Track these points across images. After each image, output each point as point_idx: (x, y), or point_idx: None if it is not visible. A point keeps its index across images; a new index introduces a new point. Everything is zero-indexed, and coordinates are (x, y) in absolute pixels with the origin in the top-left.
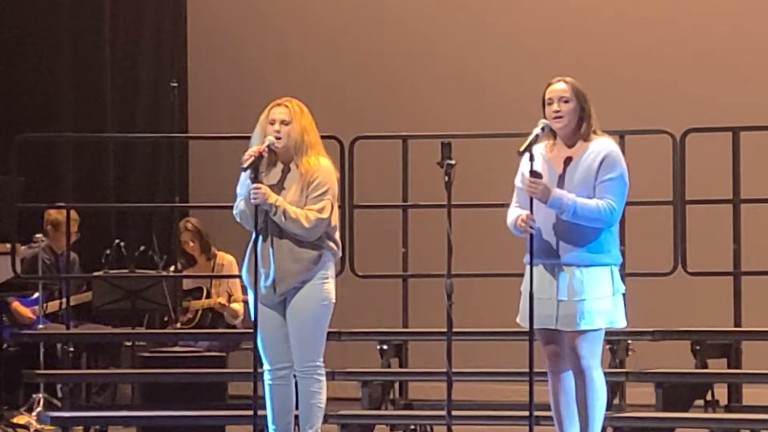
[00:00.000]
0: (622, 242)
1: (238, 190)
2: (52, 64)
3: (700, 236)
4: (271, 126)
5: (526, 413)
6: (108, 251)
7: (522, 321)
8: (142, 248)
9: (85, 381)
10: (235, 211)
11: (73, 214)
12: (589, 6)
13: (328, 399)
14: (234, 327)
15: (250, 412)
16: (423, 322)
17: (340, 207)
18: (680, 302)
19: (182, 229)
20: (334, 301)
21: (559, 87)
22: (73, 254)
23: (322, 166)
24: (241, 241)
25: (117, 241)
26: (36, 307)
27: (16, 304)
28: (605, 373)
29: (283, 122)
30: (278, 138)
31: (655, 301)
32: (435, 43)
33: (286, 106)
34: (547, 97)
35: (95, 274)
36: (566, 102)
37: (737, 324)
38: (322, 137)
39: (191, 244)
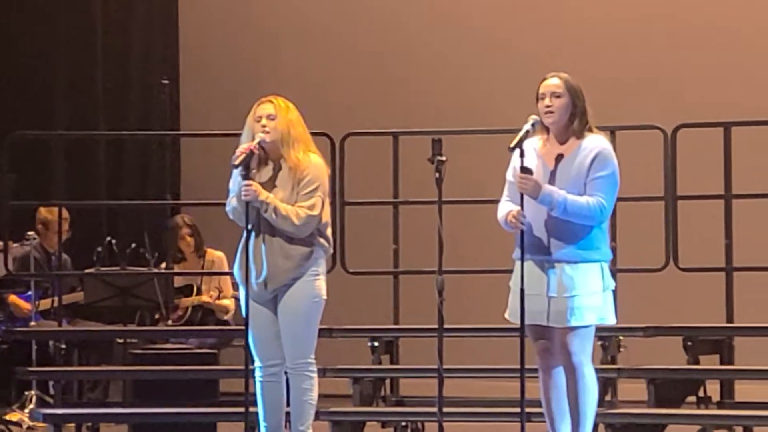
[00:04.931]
0: (614, 238)
1: (231, 186)
2: (44, 62)
3: (692, 232)
4: (257, 123)
5: (518, 410)
6: (99, 249)
7: (510, 316)
8: (133, 245)
9: (77, 378)
10: (227, 208)
11: (64, 212)
12: (580, 2)
13: (320, 396)
14: (226, 322)
15: (242, 409)
16: (414, 319)
17: (330, 203)
18: (672, 298)
19: (181, 224)
20: (325, 297)
21: (553, 82)
22: (65, 255)
23: (313, 162)
24: (232, 238)
25: (108, 238)
26: (30, 304)
27: (14, 297)
28: (597, 370)
29: (269, 117)
30: (267, 133)
31: (646, 297)
32: (426, 39)
33: (271, 102)
34: (540, 92)
35: (87, 271)
36: (558, 97)
37: (729, 320)
38: (313, 134)
39: (188, 239)
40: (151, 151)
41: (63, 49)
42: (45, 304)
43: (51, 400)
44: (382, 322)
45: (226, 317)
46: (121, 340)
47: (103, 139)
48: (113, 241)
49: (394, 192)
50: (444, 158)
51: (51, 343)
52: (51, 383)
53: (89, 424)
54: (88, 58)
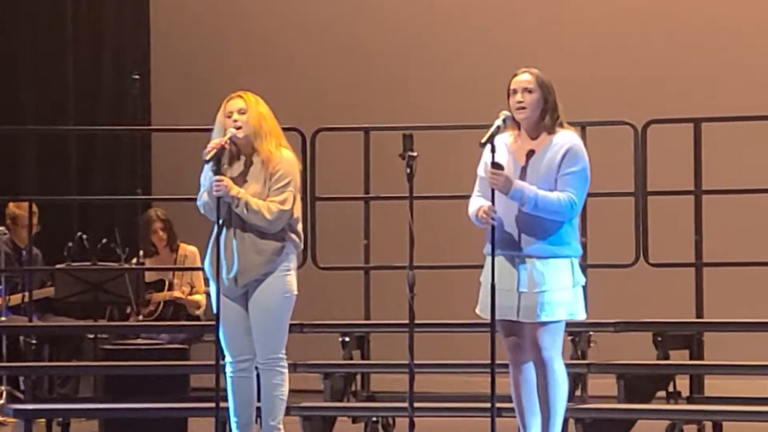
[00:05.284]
0: (584, 234)
1: (202, 180)
2: (14, 56)
3: (662, 228)
4: (228, 119)
5: (488, 405)
6: (70, 244)
7: (481, 312)
8: (104, 241)
9: (48, 373)
10: (198, 203)
11: (33, 207)
12: None
13: (290, 391)
14: (197, 318)
15: (213, 405)
16: (385, 314)
17: (302, 199)
18: (642, 294)
19: (154, 218)
20: (296, 293)
21: (524, 78)
22: (36, 250)
23: (285, 158)
24: (204, 233)
25: (79, 233)
26: (0, 299)
27: None
28: (567, 365)
29: (240, 111)
30: (238, 128)
31: (617, 293)
32: (397, 35)
33: (241, 97)
34: (511, 87)
35: (57, 266)
36: (529, 93)
37: (699, 315)
38: (284, 129)
39: (161, 233)
40: (122, 146)
41: (33, 43)
42: (15, 299)
43: (21, 396)
44: (353, 317)
45: (197, 312)
46: (91, 336)
47: (74, 134)
48: (84, 236)
49: (365, 187)
50: (415, 154)
51: (21, 338)
52: (21, 378)
53: (60, 419)
54: (58, 52)
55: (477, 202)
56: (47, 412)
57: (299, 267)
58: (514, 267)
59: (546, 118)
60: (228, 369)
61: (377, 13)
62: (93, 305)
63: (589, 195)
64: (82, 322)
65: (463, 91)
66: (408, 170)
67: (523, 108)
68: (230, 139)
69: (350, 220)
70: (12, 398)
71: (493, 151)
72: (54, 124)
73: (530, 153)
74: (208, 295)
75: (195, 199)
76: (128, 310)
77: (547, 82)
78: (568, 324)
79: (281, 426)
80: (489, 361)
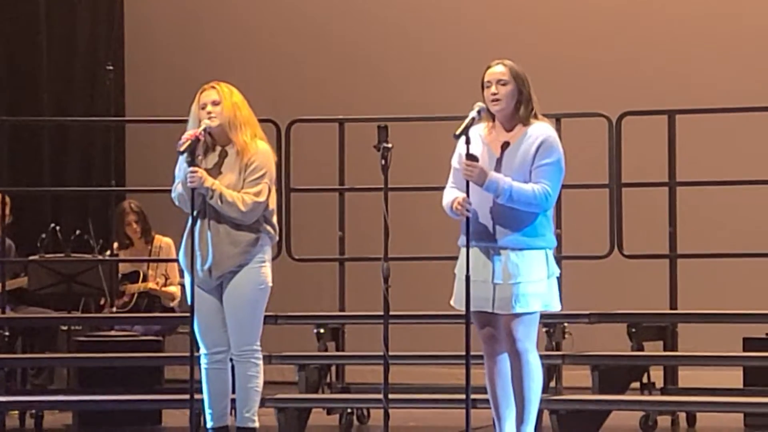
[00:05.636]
0: (559, 225)
1: (177, 172)
2: None
3: (636, 219)
4: (203, 110)
5: (463, 396)
6: (44, 235)
7: (456, 303)
8: (77, 232)
9: (21, 365)
10: (173, 195)
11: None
12: None
13: (265, 383)
14: (172, 309)
15: (187, 396)
16: (360, 306)
17: (276, 190)
18: (616, 285)
19: (127, 210)
20: (271, 284)
21: (498, 70)
22: (9, 241)
23: (260, 149)
24: (178, 225)
25: (53, 225)
26: None
27: None
28: (542, 356)
29: (213, 103)
30: (213, 119)
31: (591, 284)
32: (372, 26)
33: (214, 87)
34: (485, 80)
35: (31, 258)
36: (504, 85)
37: (673, 307)
38: (259, 120)
39: (134, 225)
40: (96, 138)
41: (6, 34)
42: None
43: None
44: (328, 308)
45: (172, 304)
46: (65, 327)
47: (48, 125)
48: (58, 228)
49: (340, 179)
50: (390, 145)
51: None
52: None
53: (33, 411)
54: (32, 43)
55: (451, 194)
56: (20, 404)
57: (274, 258)
58: (489, 258)
59: (521, 109)
60: (203, 361)
61: (353, 4)
62: (67, 297)
63: (564, 186)
64: (55, 314)
65: (437, 83)
66: (383, 162)
67: (498, 100)
68: (205, 130)
69: (325, 212)
70: None
71: (467, 142)
72: (27, 115)
73: (505, 144)
74: (183, 286)
75: (169, 191)
76: (102, 302)
77: (521, 73)
78: (543, 315)
79: (256, 418)
80: (464, 353)
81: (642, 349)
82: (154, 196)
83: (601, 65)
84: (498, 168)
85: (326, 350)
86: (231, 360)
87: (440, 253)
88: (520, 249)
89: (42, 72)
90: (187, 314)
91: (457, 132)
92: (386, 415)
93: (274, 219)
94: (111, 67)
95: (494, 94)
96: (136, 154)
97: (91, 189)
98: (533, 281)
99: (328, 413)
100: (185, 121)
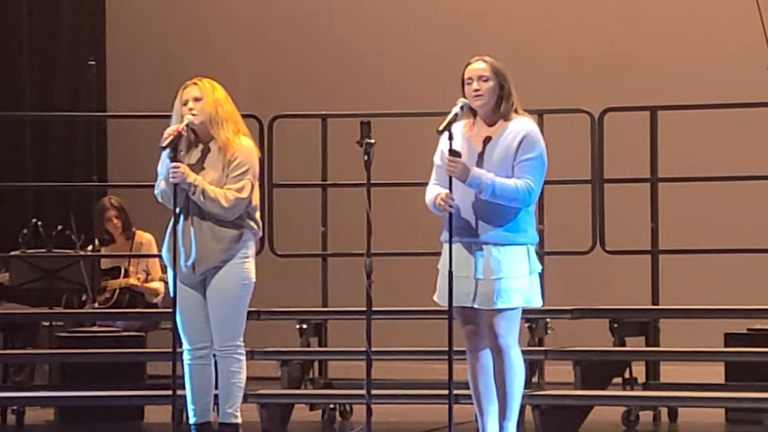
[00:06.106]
0: (541, 221)
1: (159, 168)
2: None
3: (618, 215)
4: (185, 107)
5: (446, 392)
6: (25, 230)
7: (439, 299)
8: (59, 227)
9: (2, 361)
10: (156, 191)
11: None
12: None
13: (248, 378)
14: (155, 305)
15: (169, 392)
16: (342, 301)
17: (259, 186)
18: (598, 281)
19: (107, 206)
20: (254, 280)
21: (478, 66)
22: None
23: (243, 145)
24: (160, 221)
25: (34, 220)
26: None
27: None
28: (524, 352)
29: (195, 99)
30: (194, 115)
31: (573, 280)
32: (354, 22)
33: (196, 84)
34: (466, 76)
35: (12, 253)
36: (485, 81)
37: (655, 302)
38: (242, 116)
39: (115, 221)
40: (78, 133)
41: None
42: None
43: None
44: (311, 304)
45: (155, 300)
46: (47, 323)
47: (29, 120)
48: (39, 223)
49: (323, 175)
50: (373, 141)
51: None
52: None
53: (15, 407)
54: (13, 38)
55: (434, 191)
56: (2, 401)
57: (257, 254)
58: (471, 254)
59: (502, 105)
60: (185, 356)
61: (335, 2)
62: (48, 292)
63: (546, 182)
64: (37, 310)
65: (420, 79)
66: (365, 157)
67: (480, 95)
68: (187, 125)
69: (308, 208)
70: None
71: (450, 138)
72: (9, 110)
73: (487, 140)
74: (166, 282)
75: (152, 186)
76: (84, 298)
77: (501, 69)
78: (525, 311)
79: (238, 413)
80: (446, 348)
81: (624, 345)
82: (136, 191)
83: (583, 61)
84: (480, 163)
85: (309, 346)
86: (214, 356)
87: (423, 248)
88: (502, 244)
89: (24, 67)
90: (170, 310)
91: (440, 127)
92: (369, 411)
93: (257, 215)
94: (93, 62)
95: (476, 90)
96: (118, 150)
97: (73, 184)
98: (515, 277)
99: (311, 409)
100: (168, 117)
